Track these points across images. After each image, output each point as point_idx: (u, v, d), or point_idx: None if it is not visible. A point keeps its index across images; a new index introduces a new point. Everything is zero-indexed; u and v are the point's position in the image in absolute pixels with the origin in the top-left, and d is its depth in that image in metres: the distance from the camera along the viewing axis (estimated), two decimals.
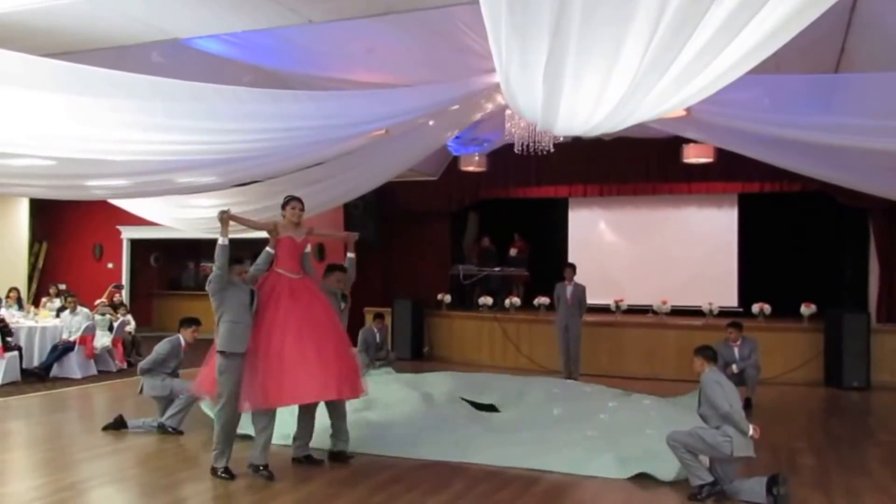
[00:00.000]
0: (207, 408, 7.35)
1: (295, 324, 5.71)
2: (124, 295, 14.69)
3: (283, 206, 6.02)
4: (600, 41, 3.46)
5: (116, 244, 16.77)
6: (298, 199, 6.04)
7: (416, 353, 12.82)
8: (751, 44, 3.36)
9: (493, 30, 3.60)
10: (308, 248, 6.13)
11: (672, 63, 3.57)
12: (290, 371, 5.59)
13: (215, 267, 5.75)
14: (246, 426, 6.09)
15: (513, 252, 14.01)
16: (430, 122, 7.84)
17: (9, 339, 10.08)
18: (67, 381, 10.17)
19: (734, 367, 8.37)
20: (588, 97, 4.33)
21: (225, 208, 6.00)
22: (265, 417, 5.73)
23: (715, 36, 3.26)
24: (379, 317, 10.91)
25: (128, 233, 16.58)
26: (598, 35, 3.40)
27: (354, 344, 10.10)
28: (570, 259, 13.20)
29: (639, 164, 12.30)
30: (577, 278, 10.59)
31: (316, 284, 6.12)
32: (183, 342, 7.39)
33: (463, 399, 8.16)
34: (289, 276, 5.94)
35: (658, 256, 13.30)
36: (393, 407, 7.74)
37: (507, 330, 12.28)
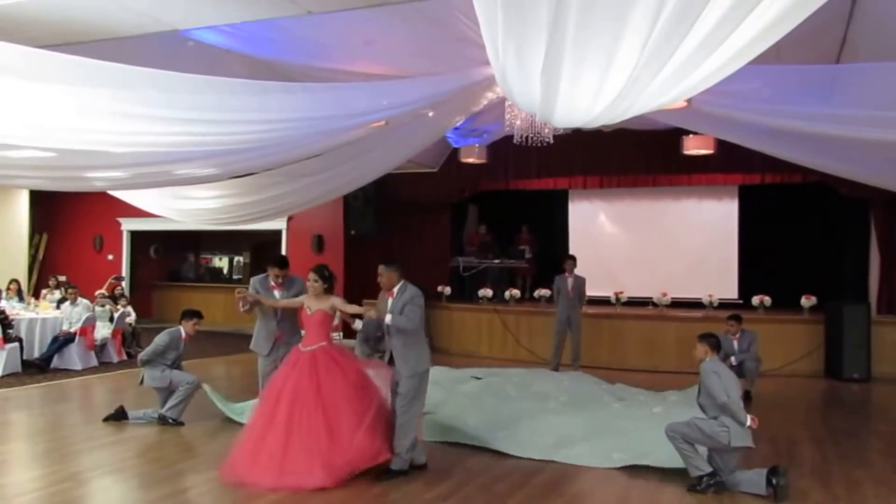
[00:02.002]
0: (214, 396, 7.40)
1: (275, 402, 5.50)
2: (125, 286, 14.70)
3: None
4: (599, 34, 3.44)
5: (116, 236, 16.80)
6: (313, 270, 5.93)
7: None
8: (752, 34, 3.34)
9: (489, 25, 3.57)
10: (335, 322, 5.88)
11: (672, 54, 3.54)
12: (245, 449, 5.44)
13: None
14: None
15: (524, 248, 13.99)
16: (430, 114, 7.82)
17: (9, 330, 10.10)
18: (68, 373, 10.19)
19: (733, 360, 8.38)
20: (587, 90, 4.30)
21: (246, 299, 6.35)
22: None
23: (716, 27, 3.24)
24: None
25: (128, 224, 16.60)
26: (597, 27, 3.37)
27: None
28: (571, 251, 13.21)
29: (639, 155, 12.26)
30: (578, 270, 10.59)
31: (333, 354, 5.77)
32: (183, 334, 7.39)
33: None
34: (301, 348, 5.81)
35: (658, 248, 13.28)
36: None
37: (506, 322, 12.29)
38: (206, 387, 7.46)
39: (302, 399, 5.42)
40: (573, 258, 10.75)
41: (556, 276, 10.76)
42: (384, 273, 5.88)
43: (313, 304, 5.89)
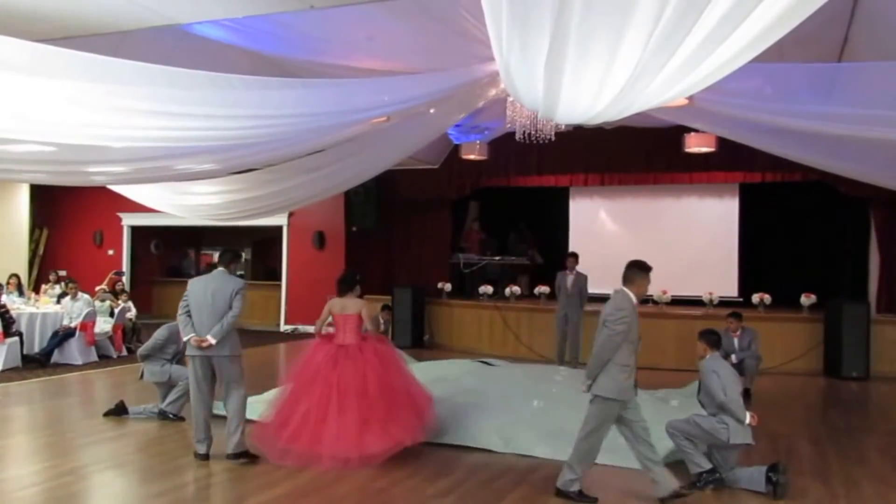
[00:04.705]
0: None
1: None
2: (125, 282, 14.71)
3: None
4: (602, 29, 3.44)
5: (117, 231, 16.80)
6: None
7: (417, 340, 12.83)
8: (755, 32, 3.33)
9: (494, 19, 3.57)
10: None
11: (675, 51, 3.54)
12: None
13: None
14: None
15: (522, 246, 14.02)
16: (431, 110, 7.81)
17: (11, 325, 10.10)
18: (68, 368, 10.20)
19: (733, 358, 8.38)
20: (590, 86, 4.31)
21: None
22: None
23: (719, 24, 3.24)
24: (386, 308, 10.96)
25: (128, 220, 16.60)
26: (601, 23, 3.37)
27: None
28: (571, 248, 13.21)
29: (640, 153, 12.26)
30: (579, 267, 10.59)
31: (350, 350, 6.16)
32: None
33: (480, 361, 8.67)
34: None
35: (659, 246, 13.24)
36: None
37: (507, 319, 12.30)
38: None
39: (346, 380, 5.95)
40: (575, 255, 10.71)
41: (558, 272, 10.76)
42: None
43: None
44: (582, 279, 10.50)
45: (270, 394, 7.26)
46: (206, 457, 5.81)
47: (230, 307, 5.83)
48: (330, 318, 6.31)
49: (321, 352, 6.12)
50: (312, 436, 5.73)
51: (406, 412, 6.01)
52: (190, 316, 5.88)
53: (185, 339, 5.93)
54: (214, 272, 6.11)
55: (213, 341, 5.75)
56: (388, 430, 5.81)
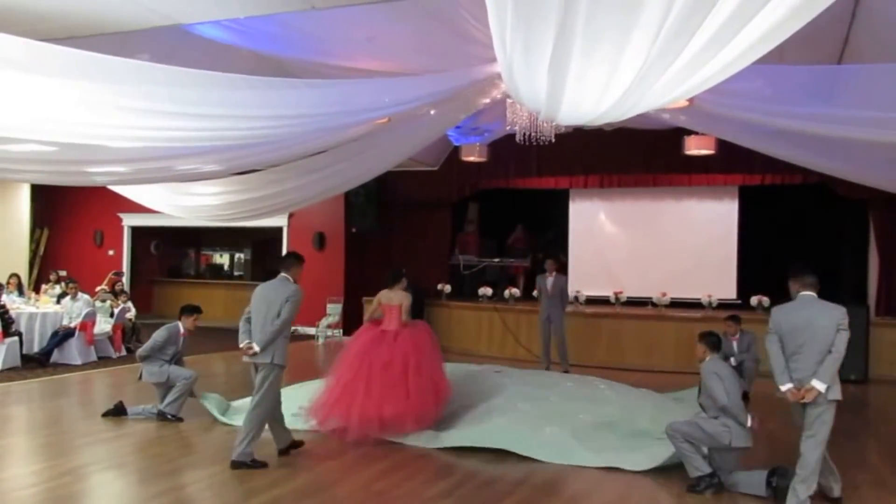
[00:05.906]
0: (210, 405, 7.34)
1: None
2: (125, 282, 14.71)
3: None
4: (609, 29, 3.44)
5: (117, 231, 16.80)
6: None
7: None
8: (759, 33, 3.33)
9: (498, 19, 3.57)
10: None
11: (682, 51, 3.54)
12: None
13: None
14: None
15: (522, 247, 14.01)
16: (432, 112, 7.81)
17: (11, 325, 10.10)
18: (67, 367, 10.19)
19: (732, 361, 8.37)
20: (594, 86, 4.30)
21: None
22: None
23: (724, 25, 3.23)
24: None
25: (129, 220, 16.60)
26: (606, 22, 3.37)
27: None
28: (571, 250, 13.24)
29: (639, 155, 12.26)
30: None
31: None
32: (182, 329, 7.39)
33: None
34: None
35: (658, 248, 13.29)
36: None
37: (506, 320, 12.30)
38: (203, 401, 7.39)
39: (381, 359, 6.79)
40: (554, 258, 10.94)
41: (538, 275, 10.88)
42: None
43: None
44: (562, 281, 10.67)
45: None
46: (282, 451, 6.01)
47: (278, 314, 5.70)
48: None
49: (366, 334, 7.04)
50: (349, 403, 6.46)
51: (423, 398, 6.58)
52: (249, 322, 5.84)
53: (240, 345, 5.86)
54: (277, 278, 5.94)
55: (257, 349, 5.71)
56: (402, 409, 6.40)
